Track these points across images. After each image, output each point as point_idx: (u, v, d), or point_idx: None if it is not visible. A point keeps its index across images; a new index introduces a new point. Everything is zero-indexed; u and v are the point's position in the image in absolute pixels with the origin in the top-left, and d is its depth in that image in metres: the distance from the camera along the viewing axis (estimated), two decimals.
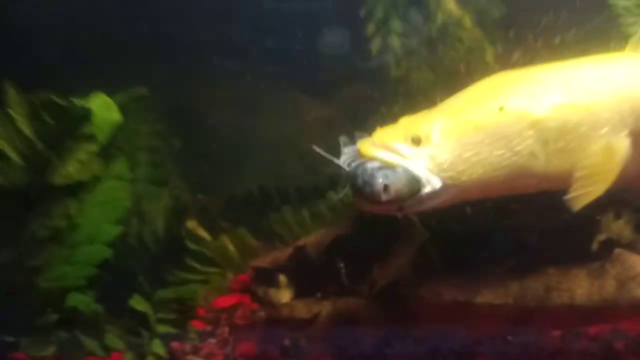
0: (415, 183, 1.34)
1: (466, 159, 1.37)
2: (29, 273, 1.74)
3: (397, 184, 1.32)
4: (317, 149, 1.39)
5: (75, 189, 1.70)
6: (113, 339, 1.84)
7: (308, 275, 1.98)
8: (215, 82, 2.52)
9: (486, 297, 1.64)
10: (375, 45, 2.22)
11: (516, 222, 1.71)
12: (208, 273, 2.25)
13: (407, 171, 1.34)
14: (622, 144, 1.39)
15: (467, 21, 2.08)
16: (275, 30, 2.37)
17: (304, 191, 2.39)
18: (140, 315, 1.86)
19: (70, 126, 1.50)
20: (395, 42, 2.18)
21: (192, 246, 2.21)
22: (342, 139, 1.42)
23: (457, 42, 2.06)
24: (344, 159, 1.38)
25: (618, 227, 1.65)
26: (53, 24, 2.13)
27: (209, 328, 2.05)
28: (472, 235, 1.75)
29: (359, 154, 1.38)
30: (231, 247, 2.33)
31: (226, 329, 2.04)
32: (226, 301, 2.28)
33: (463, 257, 1.76)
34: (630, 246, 1.58)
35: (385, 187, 1.31)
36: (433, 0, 2.19)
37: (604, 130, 1.39)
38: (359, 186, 1.33)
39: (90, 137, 1.55)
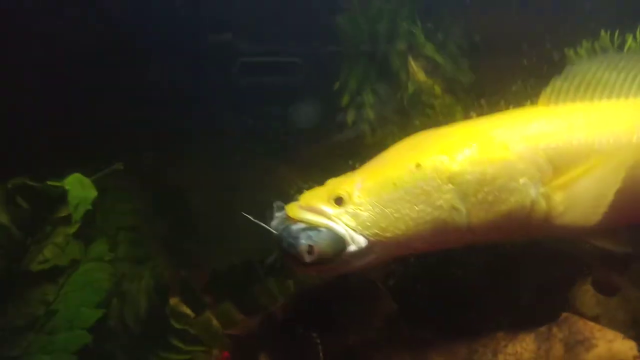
0: (339, 242, 1.36)
1: (388, 216, 1.39)
2: None
3: (321, 244, 1.34)
4: (246, 215, 1.42)
5: (54, 274, 1.67)
6: None
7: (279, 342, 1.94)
8: (197, 159, 2.54)
9: None
10: (350, 116, 2.28)
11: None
12: (193, 351, 2.19)
13: (330, 231, 1.37)
14: (530, 199, 1.42)
15: (437, 89, 2.15)
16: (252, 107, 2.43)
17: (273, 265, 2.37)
18: None
19: (45, 209, 1.48)
20: (369, 113, 2.24)
21: (175, 325, 2.15)
22: (277, 203, 1.46)
23: (428, 109, 2.13)
24: (275, 223, 1.41)
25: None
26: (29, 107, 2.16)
27: None
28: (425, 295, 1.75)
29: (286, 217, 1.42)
30: (215, 323, 2.28)
31: None
32: None
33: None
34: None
35: (309, 248, 1.33)
36: (403, 72, 2.28)
37: (522, 181, 1.43)
38: (285, 248, 1.36)
39: (66, 218, 1.54)
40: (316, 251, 1.34)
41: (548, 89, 1.57)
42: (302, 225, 1.38)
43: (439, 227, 1.41)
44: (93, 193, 1.41)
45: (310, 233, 1.36)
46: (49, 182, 1.40)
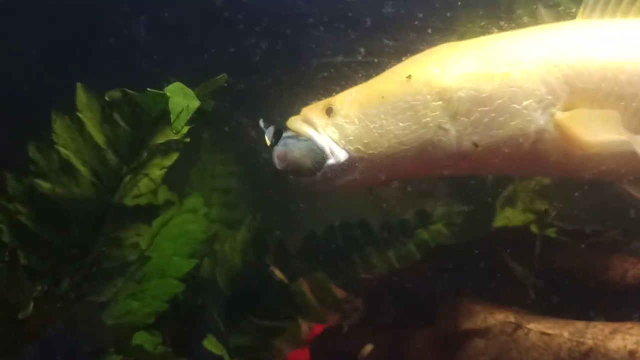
0: (316, 153, 1.30)
1: (371, 131, 1.29)
2: (92, 307, 1.57)
3: (295, 152, 1.30)
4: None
5: (148, 212, 1.54)
6: None
7: None
8: None
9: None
10: None
11: None
12: (284, 321, 2.02)
13: (309, 140, 1.31)
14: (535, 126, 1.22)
15: None
16: None
17: (389, 229, 2.17)
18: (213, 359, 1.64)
19: (145, 128, 1.35)
20: None
21: (269, 290, 2.00)
22: (261, 121, 1.38)
23: None
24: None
25: None
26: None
27: None
28: None
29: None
30: (309, 294, 2.10)
31: None
32: (300, 356, 2.06)
33: None
34: None
35: (282, 154, 1.30)
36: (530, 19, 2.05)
37: (526, 103, 1.21)
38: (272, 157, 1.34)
39: (164, 146, 1.39)
40: (289, 158, 1.30)
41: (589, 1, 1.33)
42: (289, 134, 1.34)
43: (425, 149, 1.27)
44: (196, 103, 1.26)
45: (289, 141, 1.32)
46: (149, 90, 1.26)
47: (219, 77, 1.34)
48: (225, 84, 1.39)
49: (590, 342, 1.33)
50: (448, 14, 1.95)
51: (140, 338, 1.55)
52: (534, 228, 1.82)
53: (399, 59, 1.38)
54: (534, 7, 1.87)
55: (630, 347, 1.29)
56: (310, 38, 2.00)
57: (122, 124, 1.34)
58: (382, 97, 1.29)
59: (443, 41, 1.44)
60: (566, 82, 1.24)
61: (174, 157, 1.45)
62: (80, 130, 1.39)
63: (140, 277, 1.69)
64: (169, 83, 1.24)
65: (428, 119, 1.26)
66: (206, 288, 1.84)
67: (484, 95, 1.23)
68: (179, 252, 1.76)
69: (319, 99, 1.42)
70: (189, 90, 1.27)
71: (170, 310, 1.64)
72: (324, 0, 2.06)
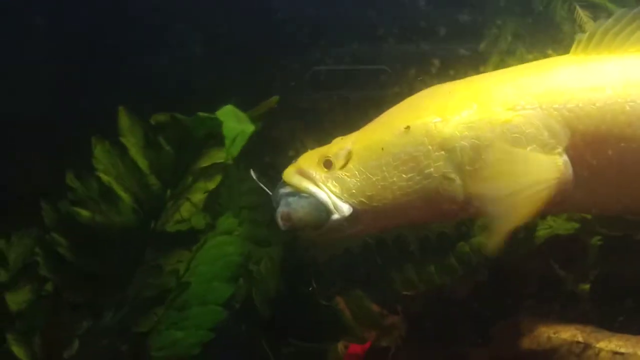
0: (320, 210, 1.29)
1: (374, 183, 1.28)
2: (136, 339, 1.50)
3: (299, 211, 1.28)
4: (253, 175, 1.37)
5: (189, 238, 1.48)
6: None
7: None
8: None
9: None
10: None
11: None
12: (326, 343, 1.96)
13: (312, 198, 1.29)
14: (554, 162, 1.20)
15: None
16: None
17: (428, 243, 2.10)
18: None
19: (191, 152, 1.29)
20: None
21: (309, 312, 1.93)
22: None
23: None
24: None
25: None
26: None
27: None
28: None
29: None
30: (347, 313, 2.03)
31: None
32: None
33: None
34: None
35: (285, 215, 1.28)
36: (567, 24, 2.01)
37: (529, 149, 1.21)
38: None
39: (208, 170, 1.33)
40: (294, 219, 1.29)
41: (584, 35, 1.31)
42: (287, 190, 1.33)
43: (431, 198, 1.27)
44: (250, 127, 1.21)
45: (290, 199, 1.30)
46: (200, 114, 1.19)
47: (271, 99, 1.29)
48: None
49: None
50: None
51: None
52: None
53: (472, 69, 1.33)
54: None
55: None
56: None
57: (167, 147, 1.28)
58: (382, 148, 1.28)
59: None
60: (567, 124, 1.23)
61: (218, 179, 1.39)
62: (121, 156, 1.33)
63: (181, 305, 1.62)
64: (225, 104, 1.18)
65: (432, 169, 1.25)
66: (247, 313, 1.77)
67: (486, 142, 1.22)
68: (219, 276, 1.69)
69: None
70: (241, 114, 1.22)
71: (215, 338, 1.57)
72: (396, 10, 2.01)
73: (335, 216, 1.29)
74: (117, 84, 1.78)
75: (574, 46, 1.32)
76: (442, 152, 1.25)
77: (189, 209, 1.41)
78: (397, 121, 1.31)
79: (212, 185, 1.39)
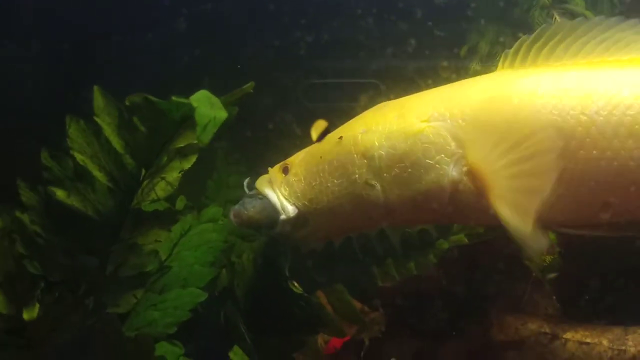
0: (269, 210, 1.42)
1: (314, 187, 1.40)
2: (112, 318, 1.51)
3: (250, 210, 1.42)
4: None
5: (167, 218, 1.50)
6: None
7: None
8: None
9: None
10: None
11: None
12: (304, 334, 1.97)
13: (265, 199, 1.43)
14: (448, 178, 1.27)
15: None
16: None
17: (409, 240, 2.12)
18: None
19: (165, 133, 1.31)
20: None
21: (288, 303, 1.94)
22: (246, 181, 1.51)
23: None
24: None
25: None
26: None
27: None
28: None
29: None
30: (327, 306, 2.04)
31: None
32: None
33: None
34: None
35: (237, 212, 1.42)
36: None
37: (438, 158, 1.27)
38: None
39: (184, 149, 1.35)
40: (242, 216, 1.42)
41: (510, 51, 1.36)
42: (250, 193, 1.46)
43: (357, 203, 1.38)
44: (223, 114, 1.24)
45: (246, 200, 1.44)
46: (174, 98, 1.21)
47: (245, 85, 1.32)
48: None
49: (632, 349, 1.29)
50: None
51: (162, 349, 1.50)
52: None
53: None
54: None
55: None
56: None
57: (142, 128, 1.30)
58: (321, 156, 1.41)
59: None
60: (473, 135, 1.28)
61: (193, 159, 1.42)
62: (96, 135, 1.36)
63: (161, 288, 1.64)
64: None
65: (356, 176, 1.36)
66: (227, 299, 1.78)
67: (399, 152, 1.31)
68: (200, 260, 1.71)
69: None
70: (215, 100, 1.25)
71: (193, 321, 1.59)
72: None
73: (283, 216, 1.42)
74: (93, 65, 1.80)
75: (500, 62, 1.38)
76: (365, 160, 1.36)
77: (164, 187, 1.43)
78: (337, 132, 1.43)
79: (187, 164, 1.41)
